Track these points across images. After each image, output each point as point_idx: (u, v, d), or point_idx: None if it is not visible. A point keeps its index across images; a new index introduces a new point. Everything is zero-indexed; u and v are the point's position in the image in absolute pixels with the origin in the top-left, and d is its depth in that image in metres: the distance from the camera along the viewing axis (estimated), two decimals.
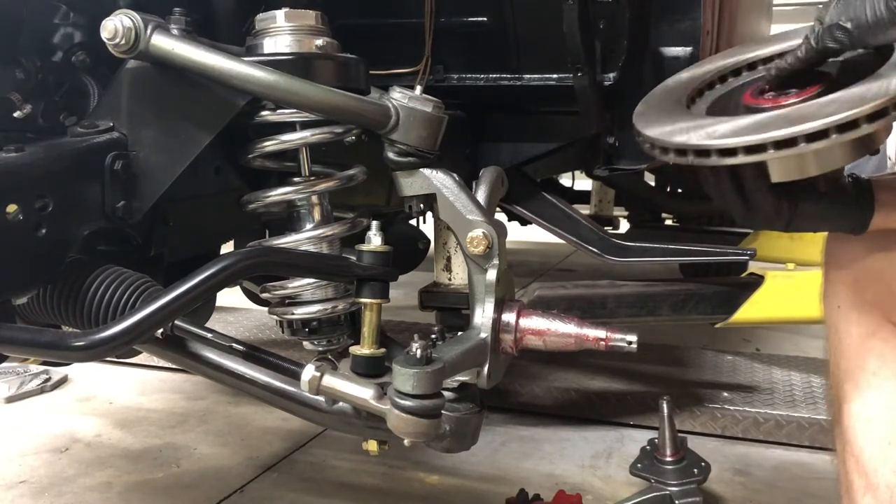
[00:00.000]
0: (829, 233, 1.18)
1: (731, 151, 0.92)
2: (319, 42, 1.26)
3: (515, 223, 2.54)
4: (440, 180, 1.24)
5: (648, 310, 2.12)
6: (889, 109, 0.87)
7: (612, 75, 1.84)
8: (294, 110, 1.24)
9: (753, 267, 2.29)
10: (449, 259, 2.16)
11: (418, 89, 1.24)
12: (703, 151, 0.94)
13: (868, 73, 0.93)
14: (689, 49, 1.81)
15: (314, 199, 1.32)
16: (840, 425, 1.13)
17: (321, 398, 1.22)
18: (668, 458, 1.90)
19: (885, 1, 0.87)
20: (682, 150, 0.96)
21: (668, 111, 1.09)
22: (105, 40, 1.16)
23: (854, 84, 0.92)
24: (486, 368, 1.19)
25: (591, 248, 2.05)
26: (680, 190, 3.78)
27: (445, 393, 1.17)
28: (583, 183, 3.83)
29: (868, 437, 1.08)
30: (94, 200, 1.20)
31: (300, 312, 1.30)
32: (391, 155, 1.24)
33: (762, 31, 2.66)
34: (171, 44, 1.16)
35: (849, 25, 0.91)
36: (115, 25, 1.15)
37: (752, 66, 1.17)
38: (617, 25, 1.79)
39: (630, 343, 1.17)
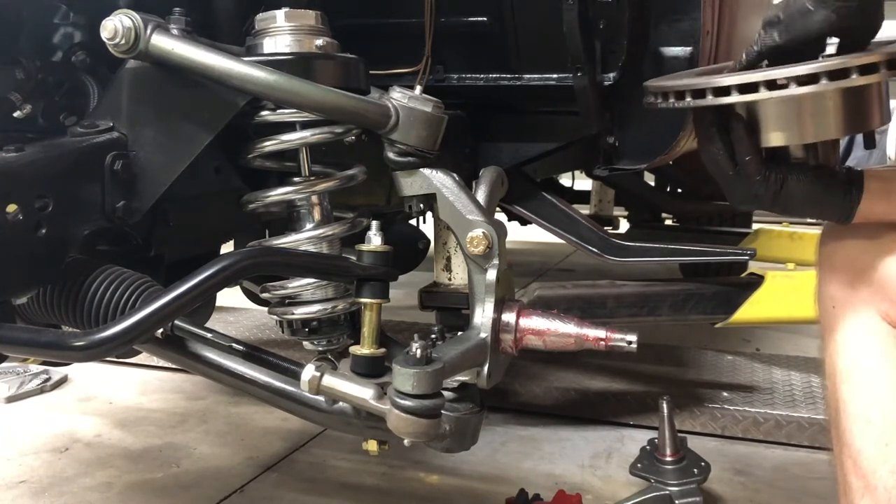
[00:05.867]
0: (823, 233, 1.18)
1: (725, 90, 0.97)
2: (319, 42, 1.27)
3: (515, 223, 2.54)
4: (440, 180, 1.24)
5: (648, 310, 2.12)
6: (880, 66, 0.92)
7: (612, 75, 1.83)
8: (294, 110, 1.24)
9: (753, 267, 2.29)
10: (449, 259, 2.16)
11: (418, 89, 1.24)
12: (699, 91, 1.00)
13: None
14: (689, 49, 1.80)
15: (314, 199, 1.32)
16: (837, 427, 1.13)
17: (321, 398, 1.22)
18: (668, 458, 1.90)
19: None
20: (680, 93, 1.03)
21: (676, 77, 1.15)
22: (105, 40, 1.16)
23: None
24: (486, 368, 1.19)
25: (591, 248, 2.04)
26: (680, 190, 3.79)
27: (445, 393, 1.17)
28: (583, 183, 3.83)
29: (865, 439, 1.08)
30: (94, 200, 1.20)
31: (300, 312, 1.30)
32: (391, 155, 1.24)
33: None
34: (170, 44, 1.16)
35: (781, 15, 0.96)
36: (115, 25, 1.15)
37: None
38: (617, 25, 1.79)
39: (630, 343, 1.17)
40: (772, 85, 0.94)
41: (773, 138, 1.04)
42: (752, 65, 1.02)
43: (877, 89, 1.02)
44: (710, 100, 0.99)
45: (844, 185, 1.05)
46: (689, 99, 1.02)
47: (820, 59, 0.98)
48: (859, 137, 1.11)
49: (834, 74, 0.91)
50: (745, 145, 1.04)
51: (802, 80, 0.92)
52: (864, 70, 0.91)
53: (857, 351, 1.11)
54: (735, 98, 0.97)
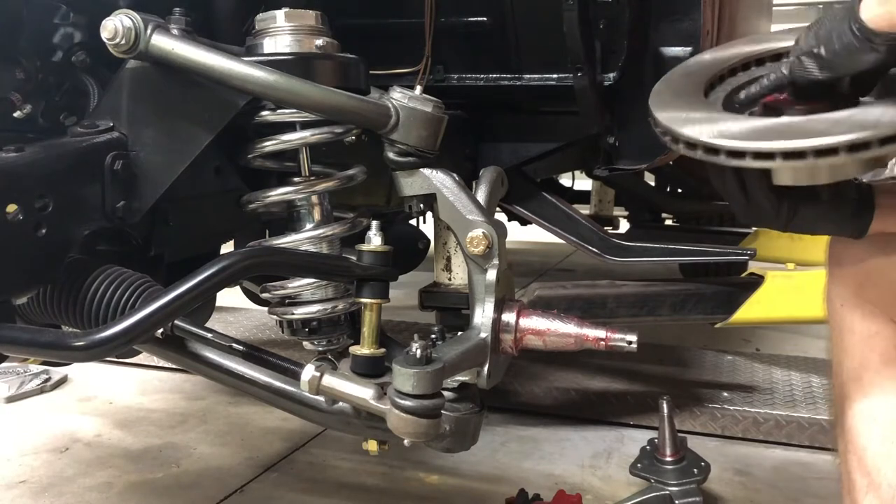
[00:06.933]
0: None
1: (740, 154, 0.93)
2: (319, 42, 1.27)
3: (515, 223, 2.54)
4: (440, 180, 1.24)
5: (648, 310, 2.12)
6: None
7: (612, 75, 1.84)
8: (294, 110, 1.24)
9: (753, 267, 2.29)
10: (449, 259, 2.16)
11: (418, 89, 1.24)
12: (712, 149, 0.95)
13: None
14: (689, 49, 1.81)
15: (314, 199, 1.32)
16: (842, 424, 1.13)
17: (321, 398, 1.22)
18: (668, 458, 1.90)
19: (849, 26, 0.88)
20: (692, 144, 0.98)
21: (685, 96, 1.09)
22: (105, 40, 1.16)
23: (873, 104, 0.93)
24: (486, 368, 1.19)
25: (591, 248, 2.05)
26: (680, 190, 3.78)
27: (445, 393, 1.17)
28: (583, 183, 3.83)
29: (871, 436, 1.08)
30: (94, 200, 1.20)
31: (300, 312, 1.30)
32: (391, 155, 1.24)
33: (762, 31, 2.66)
34: (170, 44, 1.16)
35: (822, 51, 0.92)
36: (115, 25, 1.15)
37: (776, 56, 1.16)
38: (617, 25, 1.79)
39: (630, 343, 1.17)
40: (788, 155, 0.91)
41: (787, 179, 1.02)
42: (774, 90, 1.00)
43: None
44: (723, 159, 0.95)
45: (855, 205, 1.05)
46: (700, 152, 0.98)
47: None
48: None
49: (854, 148, 0.89)
50: (755, 183, 1.03)
51: (820, 153, 0.90)
52: (885, 142, 0.89)
53: (864, 350, 1.11)
54: (749, 163, 0.93)
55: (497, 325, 1.19)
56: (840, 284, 1.15)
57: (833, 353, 1.17)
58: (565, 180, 3.75)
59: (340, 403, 1.23)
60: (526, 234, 3.61)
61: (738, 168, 1.02)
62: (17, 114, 1.33)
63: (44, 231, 1.11)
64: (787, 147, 0.89)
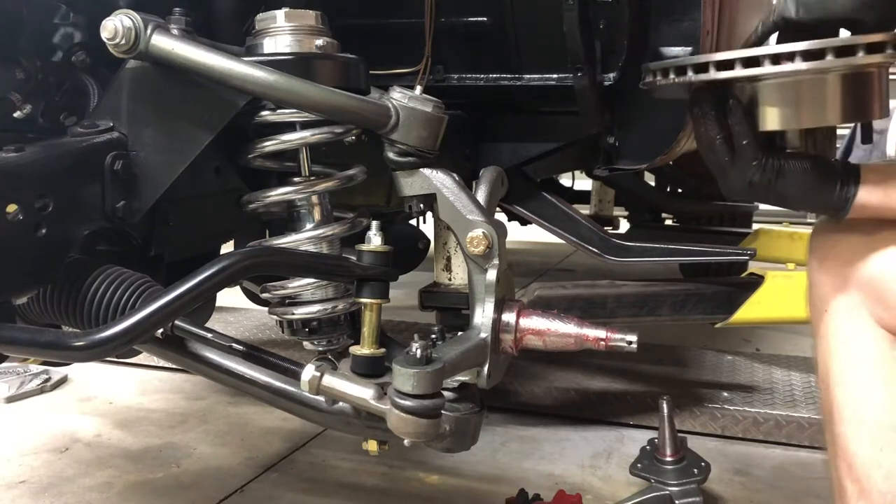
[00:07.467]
0: (814, 233, 1.17)
1: (728, 64, 0.95)
2: (319, 42, 1.27)
3: (515, 223, 2.54)
4: (440, 180, 1.24)
5: (648, 310, 2.12)
6: (887, 45, 0.90)
7: (612, 75, 1.84)
8: (294, 110, 1.24)
9: (753, 267, 2.29)
10: (449, 259, 2.16)
11: (418, 89, 1.24)
12: (701, 66, 0.98)
13: None
14: (688, 49, 1.80)
15: (314, 199, 1.32)
16: (831, 430, 1.12)
17: (321, 398, 1.22)
18: (668, 458, 1.90)
19: None
20: (681, 68, 1.00)
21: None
22: (105, 40, 1.16)
23: None
24: (486, 368, 1.19)
25: (591, 248, 2.05)
26: (680, 190, 3.79)
27: (445, 393, 1.17)
28: (583, 183, 3.83)
29: (860, 442, 1.08)
30: (94, 200, 1.20)
31: (300, 312, 1.30)
32: (391, 155, 1.24)
33: None
34: (170, 44, 1.16)
35: None
36: (115, 25, 1.15)
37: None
38: (617, 25, 1.79)
39: (630, 343, 1.17)
40: (776, 59, 0.92)
41: (771, 122, 1.02)
42: (765, 36, 1.01)
43: (877, 79, 1.01)
44: (713, 73, 0.97)
45: (841, 176, 1.04)
46: (690, 74, 0.99)
47: None
48: (859, 137, 1.11)
49: (840, 51, 0.90)
50: (743, 128, 1.03)
51: (808, 55, 0.91)
52: (872, 48, 0.90)
53: (849, 355, 1.10)
54: (738, 72, 0.94)
55: (497, 325, 1.19)
56: (823, 289, 1.14)
57: (819, 357, 1.16)
58: (565, 180, 3.76)
59: (340, 403, 1.23)
60: (526, 234, 3.61)
61: (724, 114, 1.03)
62: (17, 114, 1.33)
63: (44, 231, 1.11)
64: (775, 49, 0.92)
